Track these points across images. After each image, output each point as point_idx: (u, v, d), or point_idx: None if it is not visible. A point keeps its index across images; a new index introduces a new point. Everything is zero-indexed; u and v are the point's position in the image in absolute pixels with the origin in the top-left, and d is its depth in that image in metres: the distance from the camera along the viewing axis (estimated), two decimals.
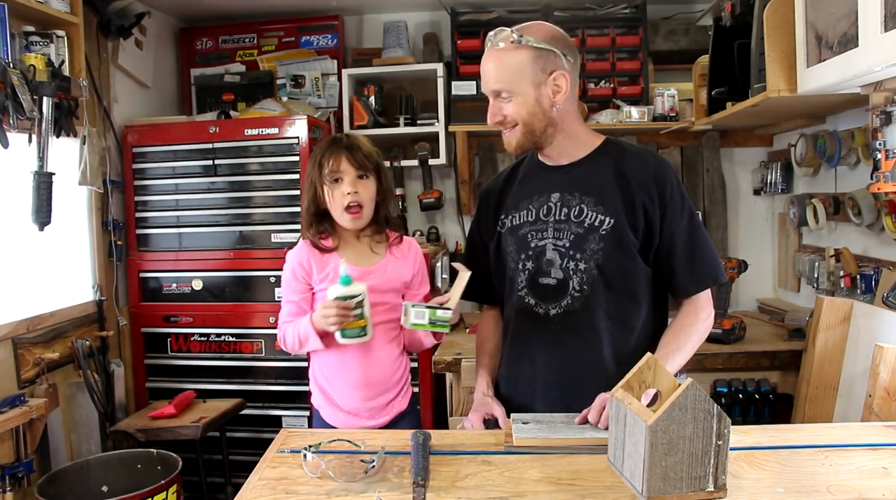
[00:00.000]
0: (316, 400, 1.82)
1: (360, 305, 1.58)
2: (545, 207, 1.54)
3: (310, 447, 1.26)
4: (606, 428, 1.28)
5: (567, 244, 1.50)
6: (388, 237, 1.80)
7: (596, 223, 1.49)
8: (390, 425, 1.75)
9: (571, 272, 1.50)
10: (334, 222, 1.74)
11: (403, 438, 1.37)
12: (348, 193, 1.67)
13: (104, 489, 2.31)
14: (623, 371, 1.21)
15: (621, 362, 1.42)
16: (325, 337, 1.68)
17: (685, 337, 1.48)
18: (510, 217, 1.60)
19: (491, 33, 1.48)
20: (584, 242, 1.49)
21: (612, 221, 1.48)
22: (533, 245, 1.54)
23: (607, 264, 1.48)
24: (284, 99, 3.17)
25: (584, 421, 1.37)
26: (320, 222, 1.74)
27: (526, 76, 1.45)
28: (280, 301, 1.84)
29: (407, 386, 1.85)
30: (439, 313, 1.53)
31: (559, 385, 1.51)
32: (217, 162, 2.86)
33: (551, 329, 1.52)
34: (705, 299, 1.53)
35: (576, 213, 1.51)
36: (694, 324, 1.50)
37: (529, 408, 1.49)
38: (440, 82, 3.12)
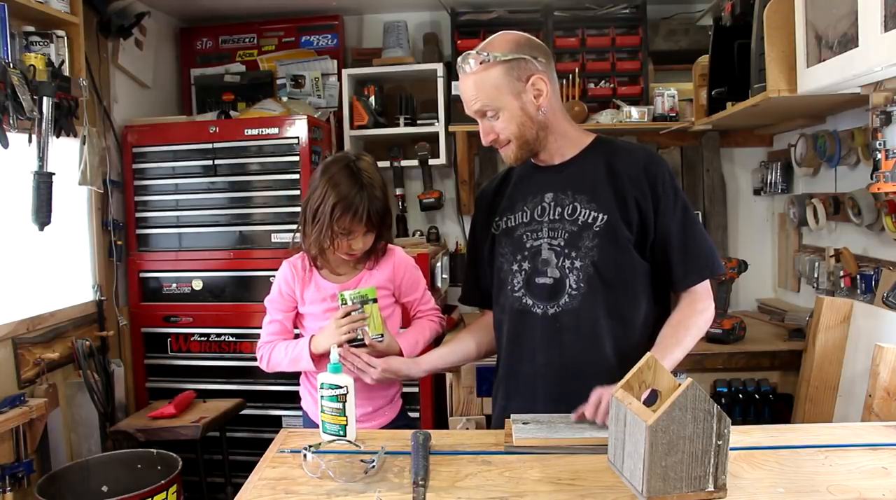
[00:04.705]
0: (306, 403, 1.82)
1: (344, 398, 1.39)
2: (539, 207, 1.55)
3: (310, 446, 1.26)
4: (604, 424, 1.28)
5: (562, 243, 1.50)
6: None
7: (589, 221, 1.49)
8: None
9: (567, 271, 1.50)
10: None
11: (403, 438, 1.37)
12: (354, 249, 1.68)
13: (104, 489, 2.32)
14: (625, 368, 1.21)
15: (623, 359, 1.41)
16: (318, 362, 1.69)
17: (683, 331, 1.47)
18: (505, 219, 1.60)
19: (459, 59, 1.49)
20: (579, 240, 1.49)
21: (605, 217, 1.48)
22: (528, 245, 1.54)
23: (603, 261, 1.48)
24: (284, 99, 3.17)
25: (581, 418, 1.37)
26: (321, 254, 1.74)
27: (504, 90, 1.45)
28: None
29: (397, 395, 1.85)
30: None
31: (560, 385, 1.50)
32: (217, 162, 2.86)
33: (550, 329, 1.51)
34: (703, 291, 1.53)
35: (569, 211, 1.51)
36: (692, 317, 1.50)
37: (531, 409, 1.48)
38: (440, 82, 3.12)
